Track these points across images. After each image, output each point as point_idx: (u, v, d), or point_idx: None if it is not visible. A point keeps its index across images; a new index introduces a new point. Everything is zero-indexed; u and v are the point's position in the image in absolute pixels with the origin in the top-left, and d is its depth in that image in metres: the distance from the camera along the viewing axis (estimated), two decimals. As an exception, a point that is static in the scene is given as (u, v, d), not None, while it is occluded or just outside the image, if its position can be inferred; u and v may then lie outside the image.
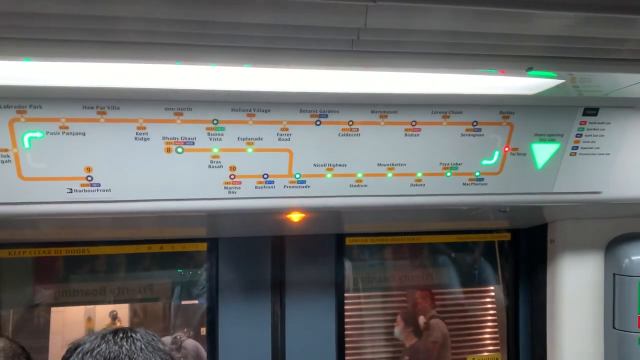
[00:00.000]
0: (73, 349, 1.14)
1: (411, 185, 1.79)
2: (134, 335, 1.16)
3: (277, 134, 1.65)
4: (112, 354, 1.10)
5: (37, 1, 1.02)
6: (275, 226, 2.24)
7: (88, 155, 1.55)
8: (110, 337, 1.14)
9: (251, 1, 1.05)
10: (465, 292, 2.70)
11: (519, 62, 1.31)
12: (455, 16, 1.12)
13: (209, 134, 1.60)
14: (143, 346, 1.13)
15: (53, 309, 2.26)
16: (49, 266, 2.29)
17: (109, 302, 2.38)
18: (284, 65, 1.35)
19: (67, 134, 1.52)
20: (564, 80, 1.52)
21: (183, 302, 2.41)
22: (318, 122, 1.65)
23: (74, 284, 2.32)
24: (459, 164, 1.79)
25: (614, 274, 2.29)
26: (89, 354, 1.10)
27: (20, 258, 2.21)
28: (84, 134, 1.52)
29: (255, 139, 1.64)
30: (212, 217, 2.01)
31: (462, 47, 1.23)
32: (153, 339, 1.18)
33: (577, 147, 1.84)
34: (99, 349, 1.11)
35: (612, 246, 2.33)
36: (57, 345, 2.30)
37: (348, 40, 1.17)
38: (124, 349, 1.11)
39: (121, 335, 1.15)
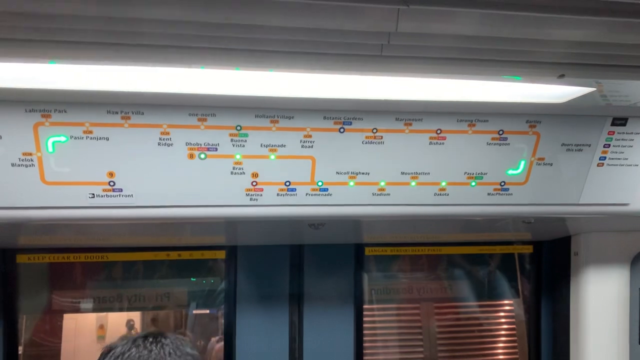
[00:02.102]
0: (106, 352, 1.18)
1: (435, 194, 1.76)
2: (163, 340, 1.18)
3: (301, 141, 1.63)
4: (141, 358, 1.12)
5: (63, 3, 1.02)
6: (295, 235, 2.22)
7: (111, 160, 1.54)
8: (141, 342, 1.17)
9: (278, 4, 1.03)
10: (485, 306, 2.65)
11: (550, 69, 1.29)
12: (487, 20, 1.10)
13: (232, 140, 1.59)
14: (171, 350, 1.15)
15: (65, 315, 2.25)
16: (65, 272, 2.29)
17: (122, 310, 2.37)
18: (309, 70, 1.33)
19: (91, 138, 1.51)
20: (593, 89, 1.49)
21: (200, 311, 2.39)
22: (342, 130, 1.63)
23: (90, 291, 2.32)
24: (484, 174, 1.76)
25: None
26: (119, 358, 1.12)
27: (38, 263, 2.21)
28: (107, 139, 1.52)
29: (279, 146, 1.63)
30: (231, 224, 2.00)
31: (492, 52, 1.20)
32: (182, 343, 1.20)
33: (604, 158, 1.81)
34: (129, 353, 1.14)
35: (638, 260, 2.27)
36: (68, 352, 2.29)
37: (378, 45, 1.15)
38: (152, 353, 1.14)
39: (151, 339, 1.17)
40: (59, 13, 1.05)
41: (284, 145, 1.63)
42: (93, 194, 1.57)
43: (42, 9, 1.03)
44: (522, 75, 1.35)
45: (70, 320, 2.26)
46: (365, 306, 2.41)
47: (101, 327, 2.35)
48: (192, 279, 2.36)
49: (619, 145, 1.79)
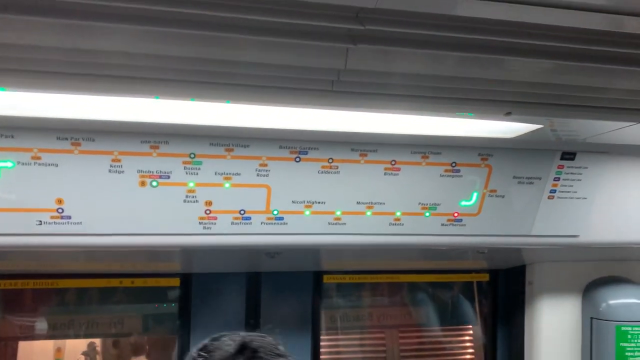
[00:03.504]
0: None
1: (390, 224, 1.77)
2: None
3: (256, 170, 1.63)
4: None
5: (14, 32, 1.00)
6: (251, 262, 2.20)
7: (60, 187, 1.51)
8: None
9: (233, 39, 1.04)
10: (442, 331, 2.67)
11: (498, 107, 1.32)
12: (435, 60, 1.13)
13: (185, 168, 1.57)
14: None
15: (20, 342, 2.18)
16: (17, 298, 2.21)
17: (77, 337, 2.30)
18: (265, 102, 1.33)
19: (39, 164, 1.48)
20: (542, 125, 1.53)
21: (154, 337, 2.34)
22: (298, 159, 1.64)
23: (42, 317, 2.24)
24: (438, 204, 1.78)
25: (591, 318, 2.29)
26: None
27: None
28: (56, 165, 1.48)
29: (233, 174, 1.62)
30: (186, 252, 1.97)
31: (441, 90, 1.23)
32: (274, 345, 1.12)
33: (555, 191, 1.85)
34: None
35: (590, 289, 2.33)
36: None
37: (329, 80, 1.16)
38: None
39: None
40: (12, 42, 1.03)
41: (239, 174, 1.62)
42: (40, 221, 1.53)
43: None
44: (467, 111, 1.38)
45: (25, 345, 2.18)
46: (322, 333, 2.39)
47: (58, 350, 2.27)
48: (148, 304, 2.31)
49: (568, 179, 1.85)
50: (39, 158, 1.47)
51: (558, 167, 1.82)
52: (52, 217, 1.53)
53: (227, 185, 1.62)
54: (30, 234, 1.53)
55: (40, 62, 1.10)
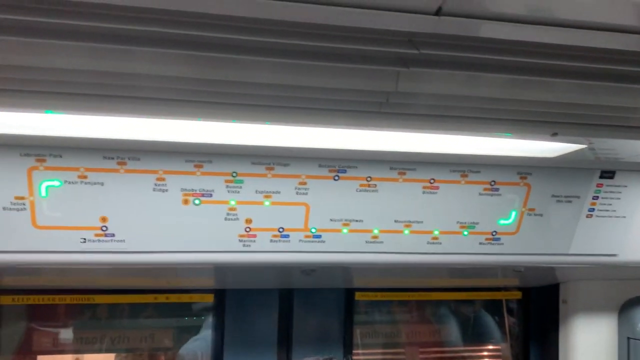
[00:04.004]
0: None
1: (427, 243, 1.77)
2: None
3: (295, 188, 1.64)
4: None
5: (61, 57, 1.02)
6: (285, 279, 2.20)
7: (104, 205, 1.53)
8: None
9: (278, 64, 1.05)
10: (473, 349, 2.64)
11: (545, 128, 1.32)
12: (484, 83, 1.13)
13: (227, 186, 1.59)
14: None
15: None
16: (49, 313, 2.24)
17: (109, 352, 2.32)
18: (309, 124, 1.35)
19: (85, 183, 1.50)
20: (584, 146, 1.52)
21: (187, 353, 2.34)
22: (336, 177, 1.64)
23: (72, 331, 2.27)
24: (476, 223, 1.77)
25: (628, 338, 2.25)
26: None
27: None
28: (102, 184, 1.51)
29: (273, 192, 1.63)
30: (222, 269, 1.98)
31: (489, 111, 1.23)
32: None
33: (593, 210, 1.84)
34: None
35: (626, 309, 2.29)
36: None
37: (377, 102, 1.17)
38: None
39: None
40: (57, 66, 1.05)
41: (279, 192, 1.63)
42: (84, 239, 1.55)
43: (40, 62, 1.04)
44: (514, 132, 1.38)
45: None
46: (354, 351, 2.38)
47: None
48: (185, 317, 2.33)
49: (607, 198, 1.83)
50: (85, 177, 1.50)
51: (597, 186, 1.80)
52: (96, 235, 1.55)
53: (267, 203, 1.63)
54: (75, 252, 1.56)
55: (83, 86, 1.12)
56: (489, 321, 2.61)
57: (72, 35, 0.95)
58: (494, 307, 2.61)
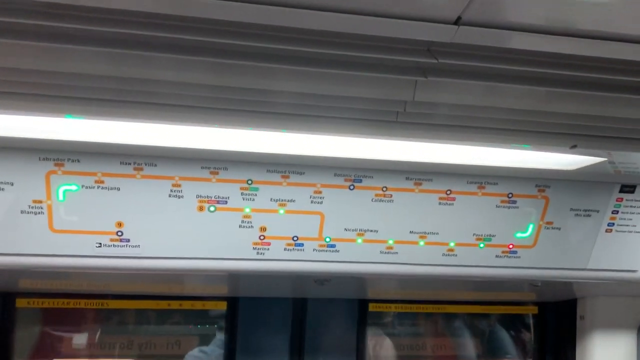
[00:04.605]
0: None
1: (443, 254, 1.75)
2: None
3: (310, 197, 1.63)
4: None
5: (80, 62, 1.03)
6: (298, 288, 2.19)
7: (120, 211, 1.54)
8: None
9: (296, 71, 1.05)
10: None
11: (564, 140, 1.30)
12: (503, 93, 1.12)
13: (242, 193, 1.59)
14: None
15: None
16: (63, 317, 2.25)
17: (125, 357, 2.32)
18: (324, 132, 1.34)
19: (102, 188, 1.51)
20: (605, 159, 1.50)
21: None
22: (352, 187, 1.64)
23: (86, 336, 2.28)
24: (493, 236, 1.75)
25: (647, 356, 2.20)
26: None
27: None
28: (118, 189, 1.52)
29: (288, 201, 1.63)
30: (236, 276, 1.98)
31: (507, 122, 1.22)
32: None
33: (613, 224, 1.81)
34: None
35: (646, 326, 2.24)
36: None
37: (394, 111, 1.17)
38: None
39: None
40: (77, 71, 1.06)
41: (294, 200, 1.63)
42: (100, 244, 1.56)
43: (60, 67, 1.05)
44: (533, 143, 1.36)
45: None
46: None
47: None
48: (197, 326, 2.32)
49: (627, 212, 1.80)
50: (102, 182, 1.51)
51: (617, 200, 1.77)
52: (111, 240, 1.56)
53: (281, 211, 1.63)
54: (90, 256, 1.57)
55: (102, 91, 1.13)
56: (505, 336, 2.57)
57: (93, 41, 0.96)
58: (509, 322, 2.57)
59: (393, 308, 2.39)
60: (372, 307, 2.35)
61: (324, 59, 1.02)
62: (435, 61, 1.00)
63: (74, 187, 1.51)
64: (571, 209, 1.76)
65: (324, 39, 0.97)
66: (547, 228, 1.77)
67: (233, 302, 2.24)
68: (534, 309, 2.53)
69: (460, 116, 1.19)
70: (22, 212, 1.50)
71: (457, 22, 0.89)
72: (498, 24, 0.91)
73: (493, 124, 1.23)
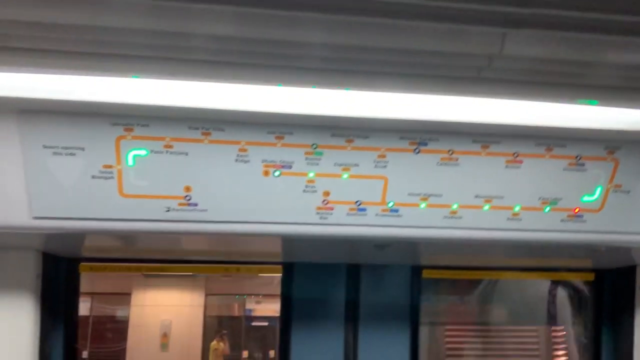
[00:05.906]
0: None
1: (507, 219, 1.72)
2: None
3: (374, 161, 1.62)
4: None
5: (145, 18, 1.02)
6: (353, 254, 2.19)
7: (189, 175, 1.55)
8: None
9: (370, 24, 1.01)
10: (540, 330, 2.59)
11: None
12: (590, 45, 1.08)
13: (307, 158, 1.58)
14: None
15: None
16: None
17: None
18: (397, 90, 1.32)
19: (171, 153, 1.52)
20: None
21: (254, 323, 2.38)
22: (417, 150, 1.62)
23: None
24: (559, 199, 1.71)
25: None
26: None
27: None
28: (186, 154, 1.53)
29: (352, 165, 1.61)
30: (293, 240, 1.98)
31: (593, 77, 1.18)
32: None
33: (685, 187, 1.75)
34: None
35: None
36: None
37: (476, 67, 1.13)
38: None
39: None
40: (143, 27, 1.05)
41: (357, 165, 1.62)
42: (169, 208, 1.58)
43: (126, 24, 1.04)
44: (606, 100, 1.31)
45: (135, 328, 2.29)
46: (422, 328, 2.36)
47: (164, 335, 2.36)
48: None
49: None
50: (170, 147, 1.52)
51: (691, 162, 1.71)
52: (180, 204, 1.58)
53: (345, 176, 1.62)
54: (159, 220, 1.59)
55: (170, 49, 1.12)
56: (560, 303, 2.54)
57: None
58: (565, 289, 2.54)
59: (447, 275, 2.38)
60: (425, 274, 2.34)
61: (402, 10, 0.98)
62: (528, 11, 0.96)
63: (143, 152, 1.52)
64: (642, 172, 1.71)
65: None
66: (615, 191, 1.73)
67: (289, 267, 2.26)
68: (590, 276, 2.48)
69: (544, 71, 1.15)
70: (93, 177, 1.52)
71: None
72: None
73: (575, 79, 1.19)
